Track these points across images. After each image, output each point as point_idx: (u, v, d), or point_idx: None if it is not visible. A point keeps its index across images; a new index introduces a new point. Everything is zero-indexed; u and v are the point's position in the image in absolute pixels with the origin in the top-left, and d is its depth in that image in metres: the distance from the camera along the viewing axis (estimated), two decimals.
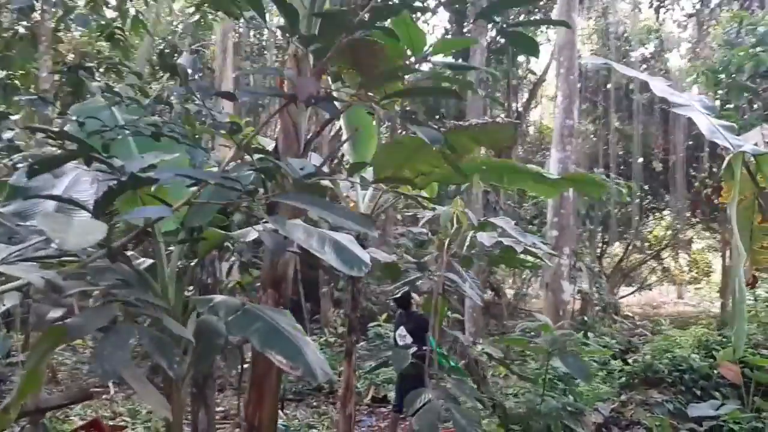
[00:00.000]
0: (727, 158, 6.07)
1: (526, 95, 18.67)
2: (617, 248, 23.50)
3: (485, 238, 4.17)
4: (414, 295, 8.36)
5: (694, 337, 7.84)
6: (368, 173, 6.73)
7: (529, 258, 4.52)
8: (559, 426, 5.38)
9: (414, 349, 7.64)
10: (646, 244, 24.57)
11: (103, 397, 11.04)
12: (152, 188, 2.95)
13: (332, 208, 2.20)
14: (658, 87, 6.22)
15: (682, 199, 19.76)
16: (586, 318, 12.73)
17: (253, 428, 3.54)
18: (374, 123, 7.12)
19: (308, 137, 3.82)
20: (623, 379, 7.15)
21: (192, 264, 3.34)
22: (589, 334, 11.85)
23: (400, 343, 8.28)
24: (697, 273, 25.33)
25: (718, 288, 21.26)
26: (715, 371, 6.83)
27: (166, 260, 3.28)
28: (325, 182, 5.54)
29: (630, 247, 23.40)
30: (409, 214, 5.65)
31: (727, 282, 19.99)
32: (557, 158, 9.94)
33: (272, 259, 3.55)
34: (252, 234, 2.92)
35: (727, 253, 20.26)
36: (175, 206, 2.23)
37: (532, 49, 3.39)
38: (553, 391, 5.95)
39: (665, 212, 23.62)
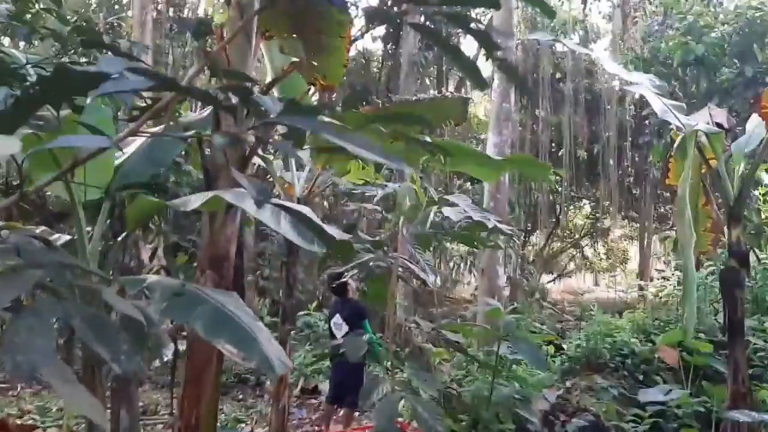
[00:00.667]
0: (679, 137, 5.99)
1: (456, 80, 18.50)
2: (538, 237, 23.84)
3: (452, 213, 3.80)
4: (350, 281, 7.98)
5: (632, 322, 7.78)
6: (304, 153, 6.28)
7: (490, 237, 4.21)
8: (509, 414, 5.12)
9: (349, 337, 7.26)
10: (567, 232, 25.04)
11: (10, 393, 10.16)
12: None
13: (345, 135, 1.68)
14: (611, 66, 6.05)
15: (603, 188, 20.14)
16: (516, 304, 12.66)
17: (190, 427, 3.07)
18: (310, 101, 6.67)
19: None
20: (565, 365, 6.98)
21: (119, 240, 2.83)
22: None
23: (336, 331, 7.87)
24: (613, 261, 26.00)
25: (635, 274, 21.86)
26: (655, 355, 6.76)
27: (87, 236, 2.77)
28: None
29: (552, 236, 23.77)
30: (356, 192, 5.25)
31: (645, 268, 20.55)
32: (494, 142, 9.72)
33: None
34: (193, 202, 2.45)
35: (645, 241, 20.83)
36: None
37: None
38: (499, 379, 5.70)
39: (584, 202, 24.12)
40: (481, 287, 9.96)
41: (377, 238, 4.26)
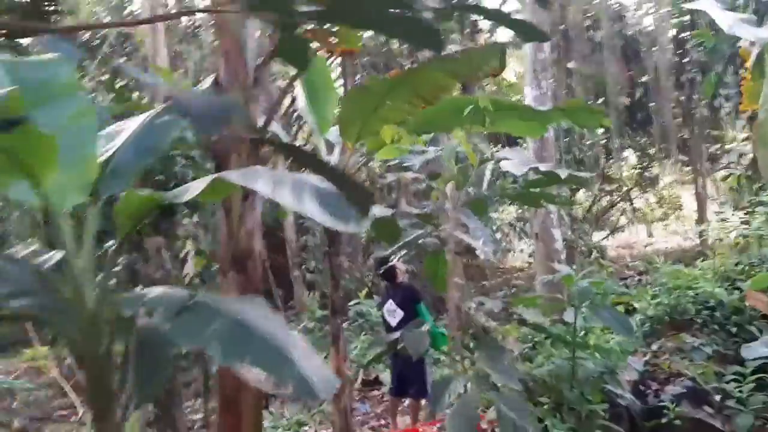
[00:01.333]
0: (753, 54, 5.25)
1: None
2: (583, 193, 22.91)
3: (513, 166, 3.18)
4: (398, 264, 7.44)
5: (712, 269, 7.05)
6: (332, 134, 5.71)
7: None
8: (597, 391, 4.51)
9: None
10: (615, 186, 24.02)
11: (72, 419, 9.94)
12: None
13: None
14: None
15: (649, 135, 19.17)
16: (574, 266, 11.96)
17: None
18: (330, 72, 6.10)
19: (258, 62, 2.79)
20: (646, 326, 6.31)
21: (114, 247, 2.31)
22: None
23: (389, 319, 7.34)
24: (667, 209, 24.89)
25: (693, 220, 20.82)
26: (746, 304, 6.05)
27: (76, 248, 2.25)
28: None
29: (600, 190, 22.80)
30: (394, 163, 4.66)
31: (702, 212, 19.53)
32: (533, 96, 9.00)
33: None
34: (193, 191, 1.91)
35: (700, 183, 19.79)
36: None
37: None
38: (581, 352, 5.09)
39: (629, 152, 23.06)
40: (538, 253, 9.30)
41: (424, 211, 3.67)
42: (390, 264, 7.53)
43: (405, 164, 3.83)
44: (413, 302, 7.37)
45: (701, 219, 19.52)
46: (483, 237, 3.79)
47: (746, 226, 12.58)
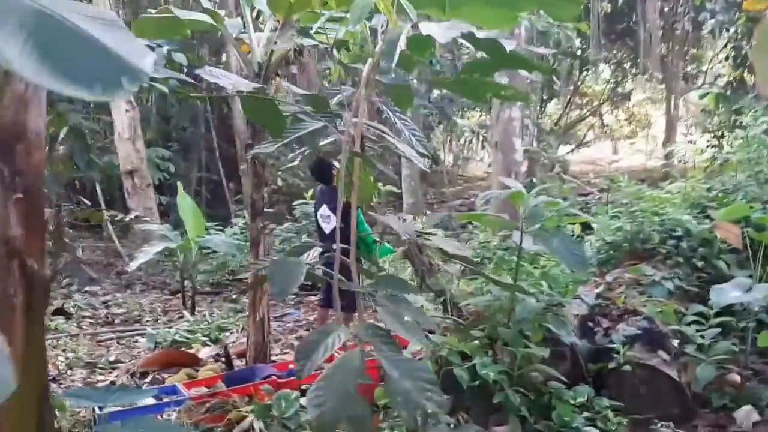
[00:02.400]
0: None
1: None
2: (555, 106, 21.99)
3: (441, 32, 2.15)
4: (336, 163, 6.52)
5: (681, 194, 6.27)
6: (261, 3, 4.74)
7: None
8: (537, 329, 3.76)
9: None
10: (586, 99, 23.10)
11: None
12: None
13: None
14: None
15: (627, 48, 18.11)
16: (534, 180, 11.18)
17: None
18: None
19: None
20: (603, 253, 5.56)
21: None
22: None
23: (323, 225, 6.47)
24: (635, 127, 24.14)
25: (661, 140, 20.14)
26: (716, 235, 5.30)
27: None
28: None
29: (569, 104, 21.88)
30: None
31: (671, 133, 18.81)
32: None
33: None
34: None
35: (672, 103, 18.95)
36: None
37: None
38: (522, 277, 4.31)
39: (603, 65, 21.97)
40: (496, 163, 8.44)
41: (324, 94, 2.70)
42: (324, 162, 6.62)
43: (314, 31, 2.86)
44: (350, 208, 6.50)
45: (669, 139, 18.83)
46: (410, 138, 2.88)
47: (715, 149, 11.89)
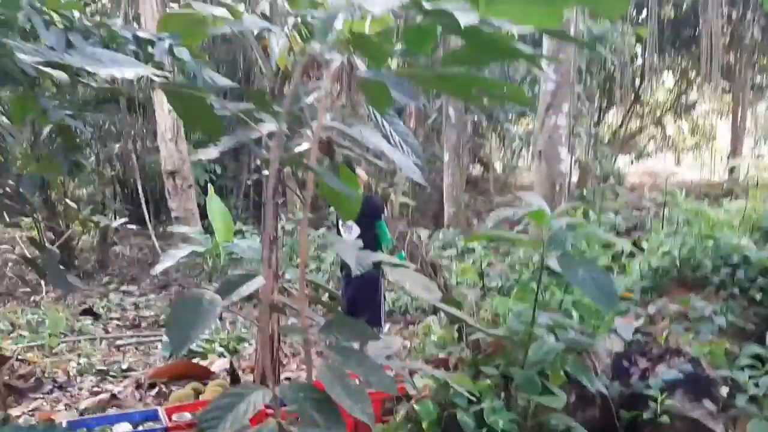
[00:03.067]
0: None
1: None
2: (614, 115, 20.97)
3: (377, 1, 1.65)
4: (359, 169, 6.09)
5: (741, 214, 5.56)
6: None
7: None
8: (557, 372, 3.21)
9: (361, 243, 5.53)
10: (647, 108, 21.99)
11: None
12: None
13: None
14: None
15: (692, 55, 17.08)
16: (584, 192, 10.50)
17: None
18: None
19: None
20: (645, 279, 4.92)
21: None
22: (590, 212, 9.67)
23: (344, 234, 6.06)
24: (699, 139, 22.86)
25: (726, 153, 18.96)
26: None
27: None
28: None
29: (630, 112, 20.86)
30: None
31: (737, 146, 17.67)
32: None
33: None
34: None
35: (739, 114, 17.81)
36: None
37: None
38: (548, 307, 3.76)
39: (668, 73, 20.86)
40: (538, 174, 7.84)
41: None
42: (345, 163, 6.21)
43: None
44: (373, 218, 6.07)
45: (735, 152, 17.71)
46: (398, 142, 2.41)
47: None
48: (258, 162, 15.34)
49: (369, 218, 5.93)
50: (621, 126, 20.54)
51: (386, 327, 6.41)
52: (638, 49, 13.54)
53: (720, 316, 4.12)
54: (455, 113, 10.68)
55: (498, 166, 15.94)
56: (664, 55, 17.79)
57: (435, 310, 6.80)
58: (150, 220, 11.45)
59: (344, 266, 5.80)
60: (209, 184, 9.20)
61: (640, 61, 18.17)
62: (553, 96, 7.43)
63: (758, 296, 4.42)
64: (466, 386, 3.18)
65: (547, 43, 7.52)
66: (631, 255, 6.17)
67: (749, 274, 4.52)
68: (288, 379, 5.46)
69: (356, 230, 5.89)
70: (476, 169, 17.60)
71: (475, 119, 12.52)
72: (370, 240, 5.64)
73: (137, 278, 10.68)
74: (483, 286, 4.90)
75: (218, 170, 14.03)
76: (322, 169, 1.81)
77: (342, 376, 1.58)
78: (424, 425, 3.19)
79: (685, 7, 14.55)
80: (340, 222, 6.07)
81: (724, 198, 11.16)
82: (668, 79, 21.15)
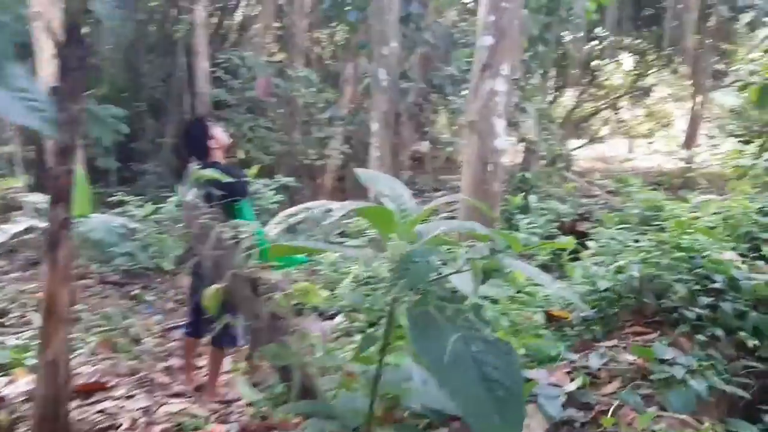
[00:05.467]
0: None
1: None
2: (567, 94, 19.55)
3: None
4: (216, 129, 4.37)
5: (721, 215, 4.02)
6: None
7: None
8: None
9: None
10: (602, 92, 20.61)
11: None
12: None
13: None
14: None
15: (653, 37, 15.66)
16: (527, 175, 8.95)
17: None
18: None
19: None
20: (590, 306, 3.33)
21: None
22: (531, 197, 8.12)
23: None
24: (654, 125, 21.62)
25: (681, 141, 17.65)
26: None
27: None
28: None
29: (584, 94, 19.47)
30: None
31: (693, 133, 16.40)
32: None
33: None
34: None
35: (697, 101, 16.50)
36: None
37: None
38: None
39: (624, 55, 19.43)
40: (468, 150, 6.20)
41: None
42: (196, 124, 4.48)
43: None
44: (231, 195, 4.25)
45: (690, 140, 16.43)
46: None
47: (739, 156, 9.60)
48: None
49: (226, 195, 4.15)
50: (575, 108, 19.15)
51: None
52: (597, 19, 11.93)
53: (698, 376, 2.56)
54: (387, 77, 8.98)
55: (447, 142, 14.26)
56: (622, 34, 16.31)
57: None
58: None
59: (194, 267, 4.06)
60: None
61: (594, 43, 16.74)
62: (490, 53, 5.79)
63: (751, 342, 2.87)
64: None
65: None
66: (574, 254, 4.66)
67: (738, 307, 2.96)
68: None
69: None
70: (424, 146, 15.96)
71: (420, 87, 10.82)
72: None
73: None
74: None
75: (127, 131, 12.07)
76: None
77: None
78: None
79: None
80: (187, 197, 4.28)
81: (682, 189, 9.75)
82: (626, 61, 19.77)
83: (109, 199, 8.37)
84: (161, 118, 14.03)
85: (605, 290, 3.16)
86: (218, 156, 4.20)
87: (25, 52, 8.36)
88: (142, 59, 13.98)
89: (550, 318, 3.76)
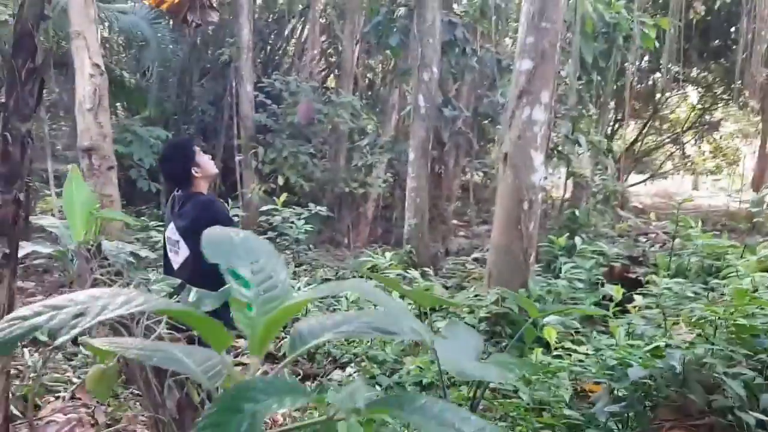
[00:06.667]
0: None
1: None
2: (630, 129, 18.48)
3: None
4: (201, 155, 3.82)
5: None
6: None
7: None
8: None
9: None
10: (665, 125, 19.44)
11: None
12: None
13: None
14: None
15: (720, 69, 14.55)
16: (576, 212, 8.15)
17: None
18: None
19: None
20: (625, 390, 2.60)
21: None
22: (578, 238, 7.29)
23: (170, 254, 3.71)
24: (721, 161, 20.23)
25: (749, 180, 16.32)
26: None
27: None
28: None
29: (647, 127, 18.34)
30: None
31: (763, 171, 15.12)
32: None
33: None
34: None
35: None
36: None
37: None
38: None
39: (690, 88, 18.25)
40: (503, 185, 5.50)
41: None
42: (177, 146, 3.96)
43: None
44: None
45: (760, 180, 15.14)
46: None
47: None
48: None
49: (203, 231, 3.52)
50: (635, 141, 18.04)
51: None
52: (659, 49, 11.03)
53: None
54: (426, 104, 8.37)
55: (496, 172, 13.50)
56: (688, 66, 15.25)
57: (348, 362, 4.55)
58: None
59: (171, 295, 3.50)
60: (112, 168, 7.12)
61: (658, 75, 15.71)
62: (528, 78, 5.12)
63: None
64: None
65: (526, 6, 5.21)
66: (621, 306, 3.93)
67: None
68: None
69: (184, 250, 3.58)
70: (475, 176, 15.23)
71: (466, 115, 10.16)
72: (208, 265, 3.33)
73: None
74: None
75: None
76: None
77: None
78: None
79: (716, 8, 12.03)
80: (167, 235, 3.73)
81: (749, 234, 8.70)
82: (692, 94, 18.60)
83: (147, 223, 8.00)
84: (210, 142, 13.79)
85: (646, 390, 2.41)
86: (202, 186, 3.64)
87: None
88: (193, 82, 13.84)
89: (582, 392, 3.10)
